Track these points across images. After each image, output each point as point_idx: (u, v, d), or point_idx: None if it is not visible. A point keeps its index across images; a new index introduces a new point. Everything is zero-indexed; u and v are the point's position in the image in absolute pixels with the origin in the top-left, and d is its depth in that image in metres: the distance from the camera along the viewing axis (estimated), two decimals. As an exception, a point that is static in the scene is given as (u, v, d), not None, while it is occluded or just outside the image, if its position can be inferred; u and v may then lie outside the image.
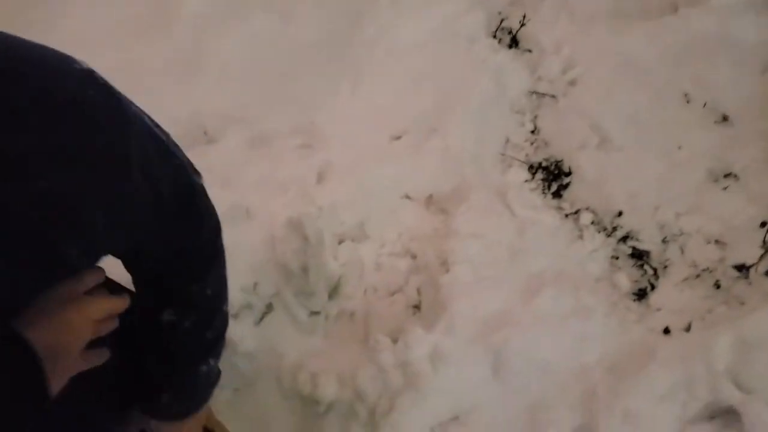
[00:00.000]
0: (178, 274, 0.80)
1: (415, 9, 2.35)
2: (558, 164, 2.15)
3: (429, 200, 2.07)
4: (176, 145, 0.75)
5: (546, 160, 2.18)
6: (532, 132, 2.25)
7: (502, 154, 2.16)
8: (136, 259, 0.77)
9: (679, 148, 2.05)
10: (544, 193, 2.10)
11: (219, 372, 0.93)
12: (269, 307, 1.86)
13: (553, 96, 2.25)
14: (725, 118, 2.07)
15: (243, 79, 2.25)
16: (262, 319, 1.85)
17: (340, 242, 1.97)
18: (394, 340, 1.72)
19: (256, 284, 1.80)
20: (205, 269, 0.83)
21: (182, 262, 0.79)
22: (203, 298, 0.83)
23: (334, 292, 1.90)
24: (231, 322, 1.77)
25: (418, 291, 1.93)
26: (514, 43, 2.42)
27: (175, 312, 0.80)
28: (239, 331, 1.77)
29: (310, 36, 2.31)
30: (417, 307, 1.93)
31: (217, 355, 0.89)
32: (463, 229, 1.83)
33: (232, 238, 1.79)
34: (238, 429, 1.80)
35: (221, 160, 2.00)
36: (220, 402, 1.80)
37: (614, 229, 1.99)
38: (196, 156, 2.11)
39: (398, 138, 2.14)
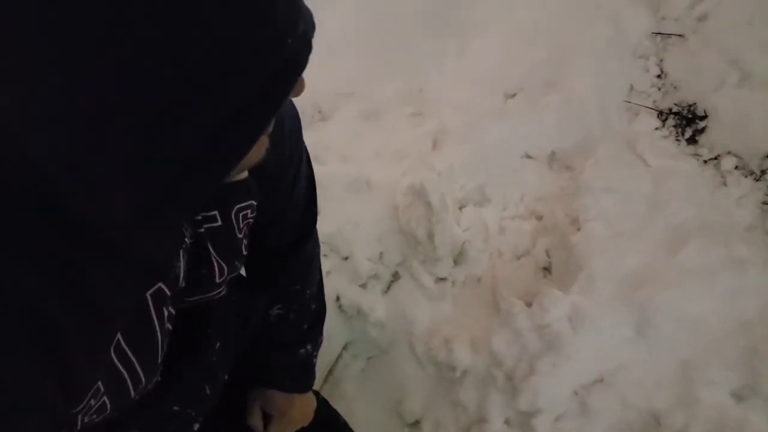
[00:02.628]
0: (291, 271, 0.95)
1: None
2: (691, 108, 1.98)
3: (551, 157, 1.98)
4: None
5: (677, 104, 2.01)
6: (659, 76, 2.08)
7: (627, 102, 2.02)
8: (259, 242, 0.81)
9: (838, 74, 1.81)
10: (677, 140, 1.94)
11: (314, 362, 1.09)
12: (395, 276, 1.87)
13: (680, 35, 2.07)
14: None
15: (349, 54, 2.25)
16: (389, 287, 1.86)
17: (461, 207, 1.93)
18: (528, 304, 1.67)
19: (381, 254, 1.82)
20: (311, 270, 0.99)
21: (294, 257, 0.93)
22: (304, 296, 0.99)
23: (459, 257, 1.87)
24: (360, 292, 1.81)
25: (547, 253, 1.86)
26: (630, -18, 2.23)
27: (283, 306, 0.97)
28: (368, 301, 1.79)
29: (410, 2, 2.27)
30: (547, 269, 1.86)
31: (312, 342, 1.05)
32: (594, 183, 1.73)
33: (355, 209, 1.83)
34: (374, 396, 1.84)
35: (337, 135, 2.02)
36: (356, 371, 1.84)
37: (763, 172, 1.80)
38: (314, 133, 2.15)
39: (513, 96, 2.05)
